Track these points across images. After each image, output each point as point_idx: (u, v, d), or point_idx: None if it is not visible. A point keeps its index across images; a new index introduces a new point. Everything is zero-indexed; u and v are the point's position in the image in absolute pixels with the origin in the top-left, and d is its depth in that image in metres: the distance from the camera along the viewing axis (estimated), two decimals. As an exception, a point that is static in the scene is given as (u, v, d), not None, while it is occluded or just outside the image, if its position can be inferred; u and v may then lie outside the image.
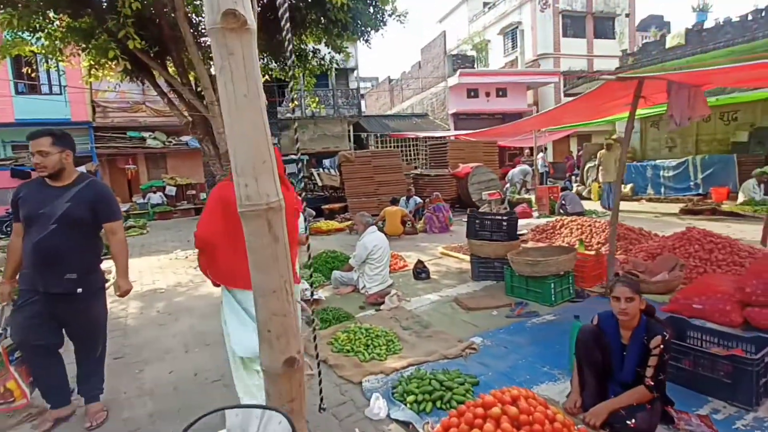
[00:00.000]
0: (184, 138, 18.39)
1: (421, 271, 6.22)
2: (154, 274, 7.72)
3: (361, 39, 10.29)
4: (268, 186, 1.06)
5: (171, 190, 17.94)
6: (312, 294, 5.15)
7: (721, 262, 5.21)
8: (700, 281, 4.36)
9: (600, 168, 11.59)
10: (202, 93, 9.05)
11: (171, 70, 9.41)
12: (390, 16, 10.18)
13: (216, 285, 2.67)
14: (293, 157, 19.69)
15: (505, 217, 6.07)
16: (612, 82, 4.60)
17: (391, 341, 3.91)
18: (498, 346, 3.80)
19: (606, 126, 17.16)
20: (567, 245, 6.95)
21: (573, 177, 18.05)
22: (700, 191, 11.99)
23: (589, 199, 13.84)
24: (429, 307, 5.00)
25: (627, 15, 27.07)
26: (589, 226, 7.62)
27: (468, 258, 6.76)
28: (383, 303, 5.04)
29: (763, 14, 12.82)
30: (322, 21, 9.27)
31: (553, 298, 4.68)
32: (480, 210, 11.19)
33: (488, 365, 3.44)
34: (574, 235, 7.55)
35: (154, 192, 17.52)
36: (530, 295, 4.88)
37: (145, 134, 18.12)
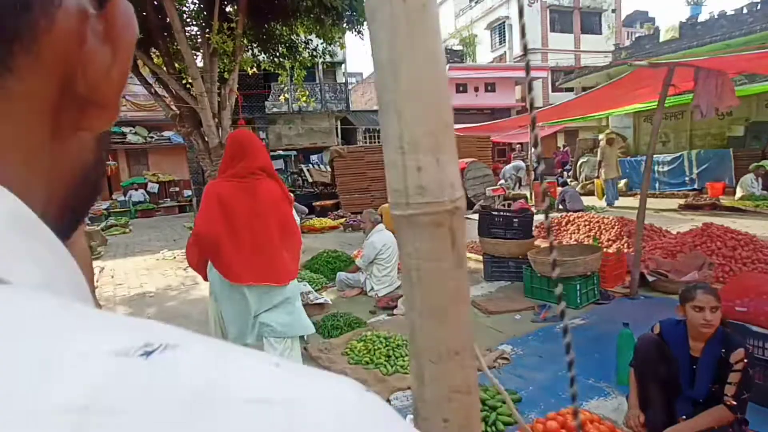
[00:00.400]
0: (167, 133, 17.76)
1: (429, 272, 5.87)
2: (140, 276, 7.24)
3: (354, 30, 9.91)
4: (452, 170, 0.51)
5: (153, 187, 17.35)
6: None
7: (746, 260, 4.99)
8: (737, 281, 4.10)
9: (602, 163, 11.35)
10: (188, 85, 8.58)
11: (156, 60, 8.90)
12: (385, 5, 9.82)
13: (206, 279, 2.60)
14: (281, 152, 19.15)
15: (520, 214, 5.78)
16: (640, 69, 4.33)
17: (413, 351, 3.59)
18: (531, 355, 3.49)
19: (593, 122, 17.00)
20: (576, 242, 6.72)
21: (564, 172, 17.89)
22: (696, 186, 11.88)
23: (583, 194, 13.65)
24: (445, 310, 4.67)
25: (614, 10, 27.11)
26: (597, 222, 7.39)
27: (474, 257, 6.46)
28: (396, 307, 4.70)
29: (759, 7, 12.77)
30: (316, 10, 8.84)
31: (578, 300, 4.39)
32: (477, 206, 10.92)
33: (525, 378, 3.13)
34: (581, 231, 7.32)
35: (136, 189, 16.93)
36: (552, 297, 4.57)
37: (126, 129, 17.45)
